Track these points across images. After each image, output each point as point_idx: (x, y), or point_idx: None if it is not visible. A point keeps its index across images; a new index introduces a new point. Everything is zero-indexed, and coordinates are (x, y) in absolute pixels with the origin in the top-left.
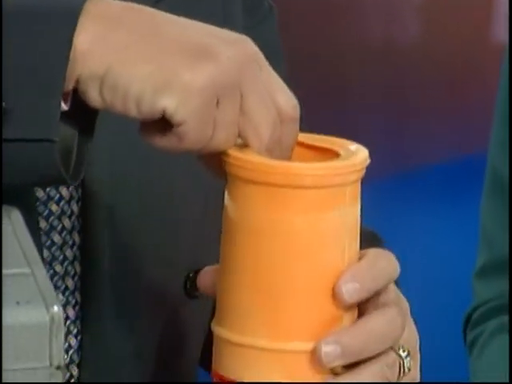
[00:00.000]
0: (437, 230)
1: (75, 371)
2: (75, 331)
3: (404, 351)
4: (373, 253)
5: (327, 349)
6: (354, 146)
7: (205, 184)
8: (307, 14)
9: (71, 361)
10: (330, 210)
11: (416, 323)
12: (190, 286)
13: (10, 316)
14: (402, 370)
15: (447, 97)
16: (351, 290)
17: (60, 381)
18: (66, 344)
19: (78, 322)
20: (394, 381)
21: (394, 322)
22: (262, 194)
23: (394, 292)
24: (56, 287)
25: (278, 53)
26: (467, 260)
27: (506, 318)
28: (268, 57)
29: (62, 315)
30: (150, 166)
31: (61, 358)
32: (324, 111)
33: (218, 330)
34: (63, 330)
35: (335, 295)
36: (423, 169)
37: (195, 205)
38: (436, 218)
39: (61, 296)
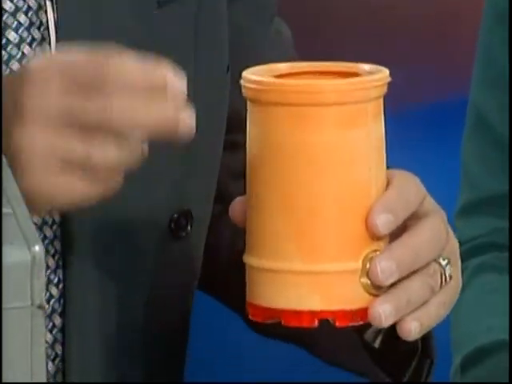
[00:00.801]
0: (417, 169)
1: (58, 321)
2: (56, 280)
3: (444, 260)
4: (399, 179)
5: (383, 266)
6: (373, 66)
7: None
8: None
9: (53, 310)
10: (353, 126)
11: None
12: (176, 228)
13: None
14: (443, 278)
15: (429, 38)
16: (385, 222)
17: (41, 320)
18: (48, 294)
19: (58, 271)
20: (437, 289)
21: (439, 229)
22: (284, 114)
23: (430, 201)
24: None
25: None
26: (449, 199)
27: (486, 257)
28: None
29: (43, 255)
30: None
31: (42, 298)
32: (306, 53)
33: (250, 260)
34: (44, 270)
35: (369, 229)
36: (404, 109)
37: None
38: (417, 158)
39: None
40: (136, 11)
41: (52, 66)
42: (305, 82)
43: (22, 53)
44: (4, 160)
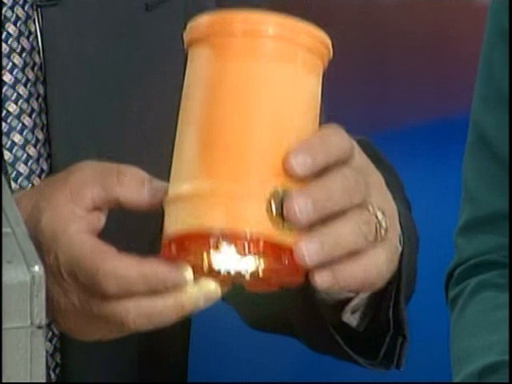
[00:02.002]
0: (418, 188)
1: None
2: None
3: (379, 211)
4: (324, 128)
5: (300, 202)
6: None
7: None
8: None
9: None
10: (276, 61)
11: None
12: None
13: None
14: (378, 229)
15: (429, 57)
16: (301, 162)
17: (41, 339)
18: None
19: None
20: (372, 238)
21: (347, 179)
22: (210, 47)
23: (357, 162)
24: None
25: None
26: (449, 218)
27: (487, 276)
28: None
29: (42, 274)
30: (120, 110)
31: (42, 317)
32: None
33: (165, 198)
34: (44, 290)
35: (285, 167)
36: (405, 128)
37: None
38: (417, 177)
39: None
40: (125, 16)
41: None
42: (231, 14)
43: (18, 93)
44: (4, 180)
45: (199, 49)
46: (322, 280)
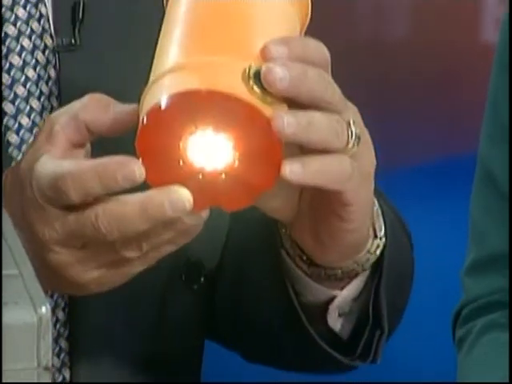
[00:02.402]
0: (425, 228)
1: (64, 345)
2: (63, 304)
3: (353, 123)
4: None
5: (278, 70)
6: None
7: None
8: None
9: (59, 334)
10: None
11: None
12: (186, 278)
13: None
14: (350, 135)
15: (434, 97)
16: (277, 46)
17: (48, 381)
18: (54, 317)
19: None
20: (343, 139)
21: (326, 77)
22: None
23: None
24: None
25: None
26: (456, 257)
27: (494, 316)
28: None
29: (49, 316)
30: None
31: (48, 359)
32: None
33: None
34: (51, 332)
35: (263, 53)
36: (412, 166)
37: None
38: (423, 217)
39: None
40: (141, 62)
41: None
42: None
43: (31, 107)
44: (9, 220)
45: None
46: (291, 171)
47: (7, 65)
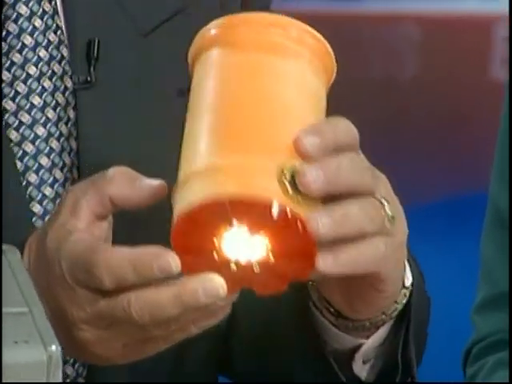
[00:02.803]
0: (434, 266)
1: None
2: None
3: (384, 200)
4: (333, 117)
5: (312, 172)
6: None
7: None
8: None
9: (78, 374)
10: (287, 57)
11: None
12: None
13: (8, 355)
14: (385, 217)
15: (444, 135)
16: (312, 141)
17: None
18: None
19: None
20: (378, 223)
21: (359, 161)
22: (216, 37)
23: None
24: None
25: None
26: (467, 295)
27: (503, 354)
28: None
29: (59, 354)
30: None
31: None
32: None
33: (175, 185)
34: (61, 369)
35: (295, 146)
36: (422, 205)
37: None
38: (433, 256)
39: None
40: (155, 100)
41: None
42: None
43: (50, 147)
44: (19, 258)
45: (208, 52)
46: (325, 264)
47: (28, 105)
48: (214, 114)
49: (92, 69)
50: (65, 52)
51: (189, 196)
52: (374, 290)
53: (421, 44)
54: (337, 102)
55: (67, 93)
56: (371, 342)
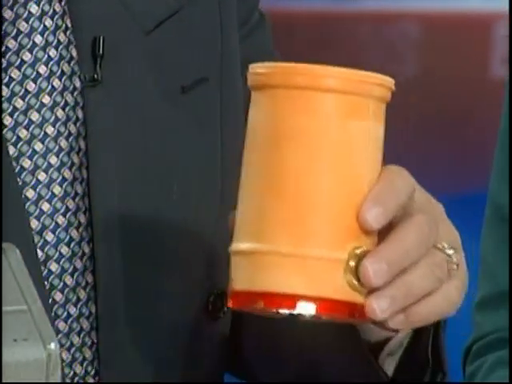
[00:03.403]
0: None
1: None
2: (90, 342)
3: (450, 249)
4: (388, 172)
5: (375, 268)
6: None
7: (218, 207)
8: (306, 50)
9: (86, 373)
10: (352, 118)
11: None
12: (212, 309)
13: (7, 353)
14: (450, 266)
15: (445, 134)
16: (375, 216)
17: None
18: (81, 356)
19: (93, 333)
20: (445, 278)
21: (426, 225)
22: (285, 97)
23: (421, 194)
24: (67, 299)
25: (273, 54)
26: (467, 294)
27: (503, 353)
28: (264, 59)
29: (58, 352)
30: (161, 194)
31: None
32: None
33: (237, 246)
34: (60, 367)
35: (360, 223)
36: None
37: (208, 228)
38: None
39: (73, 308)
40: (160, 97)
41: None
42: (307, 65)
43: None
44: (19, 256)
45: (262, 97)
46: (394, 323)
47: (38, 103)
48: (268, 187)
49: (98, 67)
50: (74, 52)
51: (245, 278)
52: None
53: (421, 42)
54: None
55: (76, 92)
56: (400, 336)
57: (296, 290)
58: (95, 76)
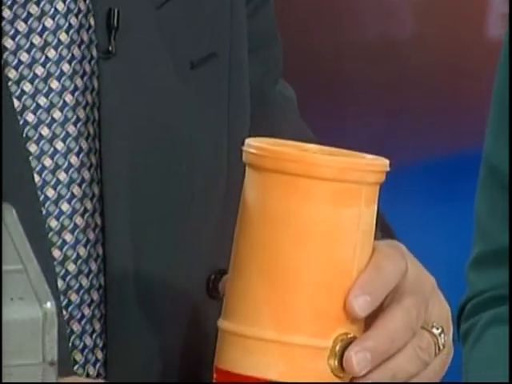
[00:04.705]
0: (430, 223)
1: (100, 355)
2: (99, 315)
3: (438, 329)
4: (378, 257)
5: (358, 357)
6: (376, 157)
7: (225, 183)
8: (303, 12)
9: (95, 345)
10: (344, 205)
11: None
12: (212, 287)
13: (4, 312)
14: (437, 348)
15: (443, 94)
16: (362, 304)
17: (53, 376)
18: (91, 328)
19: (101, 305)
20: (430, 360)
21: (410, 313)
22: (278, 182)
23: (409, 281)
24: (80, 270)
25: (275, 36)
26: (461, 253)
27: (499, 310)
28: (266, 41)
29: (54, 311)
30: (170, 166)
31: (54, 354)
32: (317, 106)
33: (224, 324)
34: (56, 326)
35: (347, 311)
36: (417, 163)
37: (215, 204)
38: (429, 213)
39: (85, 279)
40: (170, 72)
41: None
42: (302, 153)
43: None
44: (15, 215)
45: (255, 175)
46: None
47: (58, 71)
48: (259, 270)
49: (113, 39)
50: (92, 21)
51: (231, 358)
52: None
53: (417, 2)
54: (337, 65)
55: (93, 62)
56: None
57: (277, 377)
58: (110, 48)
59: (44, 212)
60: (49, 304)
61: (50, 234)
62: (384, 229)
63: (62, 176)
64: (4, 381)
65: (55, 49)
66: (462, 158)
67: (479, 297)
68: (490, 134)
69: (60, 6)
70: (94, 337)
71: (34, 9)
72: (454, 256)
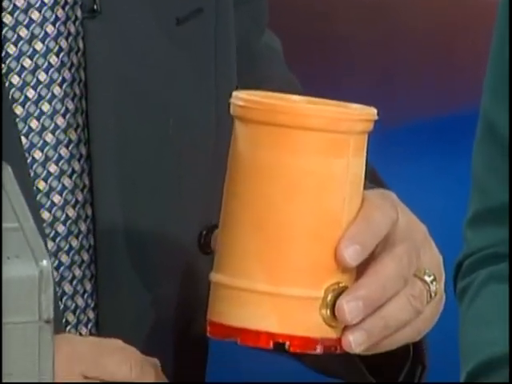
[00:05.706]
0: (428, 182)
1: (92, 315)
2: (89, 275)
3: (429, 276)
4: (367, 207)
5: (350, 306)
6: (363, 106)
7: (214, 138)
8: None
9: (87, 305)
10: (332, 156)
11: None
12: (204, 243)
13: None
14: (428, 295)
15: (438, 52)
16: (353, 254)
17: (49, 334)
18: (82, 289)
19: (92, 266)
20: (422, 308)
21: (402, 260)
22: (266, 134)
23: (400, 229)
24: (69, 231)
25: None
26: (459, 212)
27: (498, 267)
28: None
29: (50, 269)
30: (157, 123)
31: (50, 312)
32: (313, 63)
33: (215, 277)
34: (52, 284)
35: (338, 261)
36: (414, 123)
37: (205, 159)
38: (426, 172)
39: (75, 240)
40: (156, 29)
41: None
42: (291, 104)
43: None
44: (11, 174)
45: (244, 129)
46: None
47: (42, 33)
48: (259, 227)
49: None
50: None
51: (225, 312)
52: None
53: None
54: (330, 25)
55: (77, 22)
56: None
57: (270, 328)
58: (95, 7)
59: (32, 174)
60: (45, 262)
61: (39, 196)
62: (375, 180)
63: (49, 138)
64: (3, 338)
65: (39, 10)
66: (454, 117)
67: (477, 254)
68: (488, 89)
69: None
70: (85, 297)
71: None
72: (451, 214)
